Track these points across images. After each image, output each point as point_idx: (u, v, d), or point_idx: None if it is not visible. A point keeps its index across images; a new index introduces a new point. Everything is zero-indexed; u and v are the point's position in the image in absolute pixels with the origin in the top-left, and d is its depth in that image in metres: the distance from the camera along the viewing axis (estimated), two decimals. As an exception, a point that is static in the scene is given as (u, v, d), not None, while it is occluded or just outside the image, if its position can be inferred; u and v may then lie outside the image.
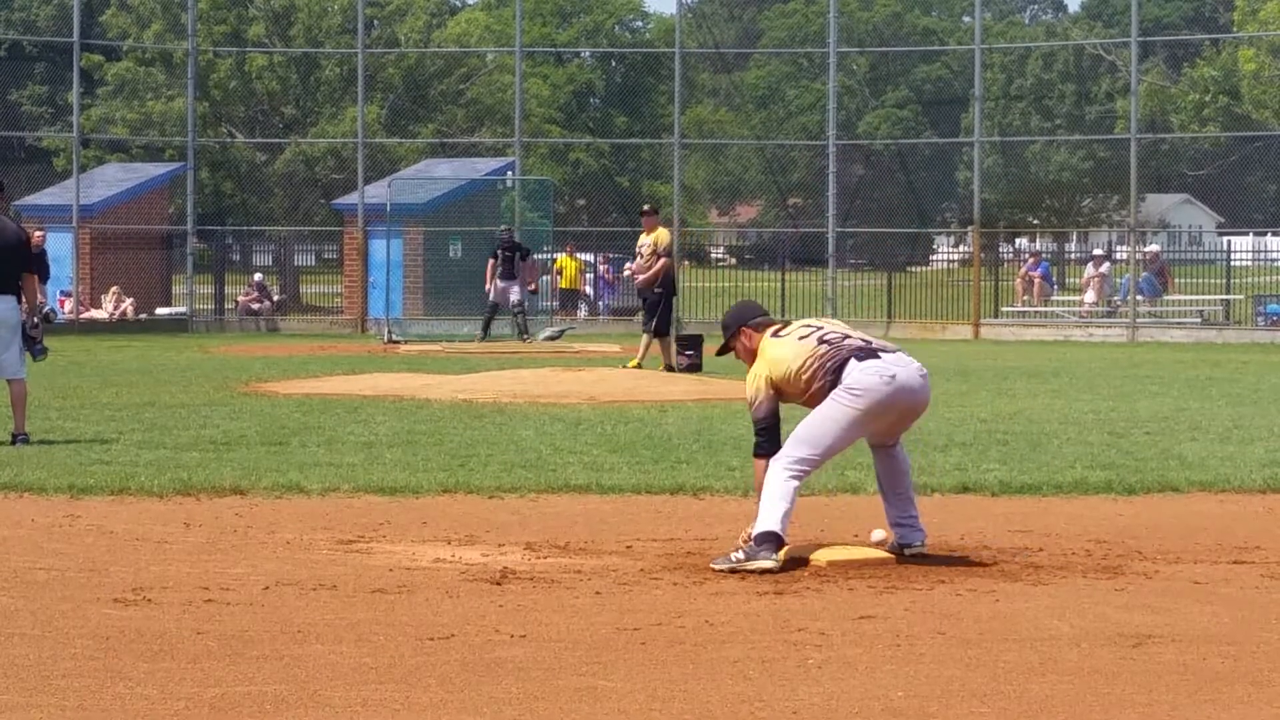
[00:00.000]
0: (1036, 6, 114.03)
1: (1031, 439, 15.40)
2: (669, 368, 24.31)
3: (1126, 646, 7.28)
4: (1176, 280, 42.86)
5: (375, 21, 55.96)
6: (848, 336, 9.29)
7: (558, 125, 70.01)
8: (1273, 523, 10.99)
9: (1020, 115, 70.85)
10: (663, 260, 24.92)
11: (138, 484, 12.06)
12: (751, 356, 9.36)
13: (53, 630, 7.53)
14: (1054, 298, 42.92)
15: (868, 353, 9.14)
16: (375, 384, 21.57)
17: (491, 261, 34.27)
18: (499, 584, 8.64)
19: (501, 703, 6.32)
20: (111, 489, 11.90)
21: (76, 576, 8.85)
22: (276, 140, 54.31)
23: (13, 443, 14.59)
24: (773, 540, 8.91)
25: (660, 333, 24.77)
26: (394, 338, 34.98)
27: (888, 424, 9.25)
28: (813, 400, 9.16)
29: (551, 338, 35.00)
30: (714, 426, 16.46)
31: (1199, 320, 38.97)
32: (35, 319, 15.20)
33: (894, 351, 9.33)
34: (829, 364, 9.10)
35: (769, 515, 8.95)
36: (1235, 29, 58.46)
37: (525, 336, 33.67)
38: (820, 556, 9.16)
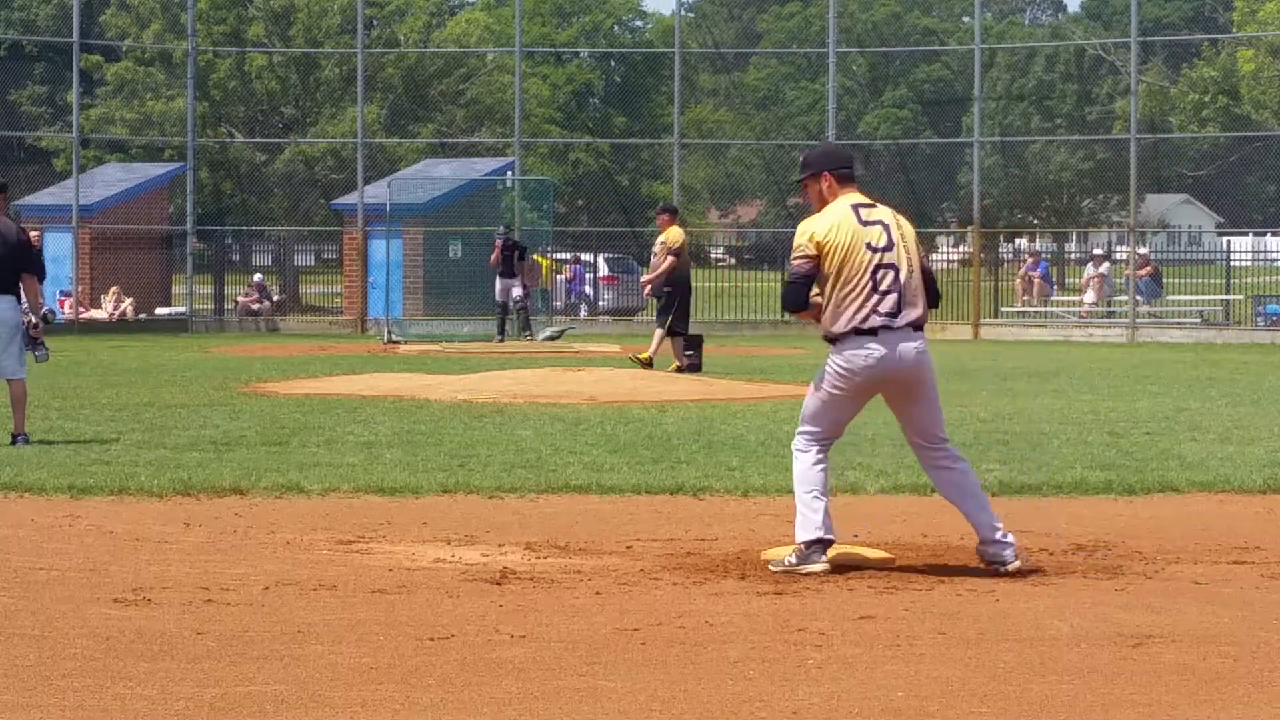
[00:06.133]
0: (1036, 7, 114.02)
1: (1031, 439, 15.39)
2: (678, 369, 24.20)
3: (1126, 646, 7.28)
4: (1175, 280, 42.91)
5: (375, 21, 55.96)
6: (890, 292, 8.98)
7: (557, 125, 70.02)
8: (1273, 523, 10.98)
9: (1020, 116, 70.86)
10: (669, 259, 24.80)
11: (138, 484, 12.06)
12: (822, 204, 9.18)
13: (53, 630, 7.53)
14: (1054, 298, 42.96)
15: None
16: (375, 384, 21.56)
17: (495, 254, 34.54)
18: (499, 584, 8.64)
19: (501, 703, 6.32)
20: (111, 489, 11.90)
21: (76, 576, 8.85)
22: (276, 140, 54.31)
23: (13, 443, 14.59)
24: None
25: (671, 332, 24.66)
26: (394, 338, 34.99)
27: None
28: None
29: (551, 338, 35.05)
30: (714, 426, 16.46)
31: (1199, 320, 38.98)
32: (35, 319, 15.16)
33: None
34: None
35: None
36: (1235, 29, 58.46)
37: (527, 333, 34.16)
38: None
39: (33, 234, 17.97)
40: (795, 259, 9.01)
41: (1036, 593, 8.51)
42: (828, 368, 9.05)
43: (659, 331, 24.85)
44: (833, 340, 9.02)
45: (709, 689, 6.54)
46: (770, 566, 8.99)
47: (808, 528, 8.92)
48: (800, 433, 9.14)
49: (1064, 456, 14.00)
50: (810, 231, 8.98)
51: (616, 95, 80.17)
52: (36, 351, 15.15)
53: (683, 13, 51.40)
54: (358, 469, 12.99)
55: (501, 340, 33.78)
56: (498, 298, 34.65)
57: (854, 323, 8.93)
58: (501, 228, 36.43)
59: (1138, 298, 38.09)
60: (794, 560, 8.91)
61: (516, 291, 34.38)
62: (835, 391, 9.04)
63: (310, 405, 18.64)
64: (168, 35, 53.77)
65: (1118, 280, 41.17)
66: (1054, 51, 70.68)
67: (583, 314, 43.66)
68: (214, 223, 48.55)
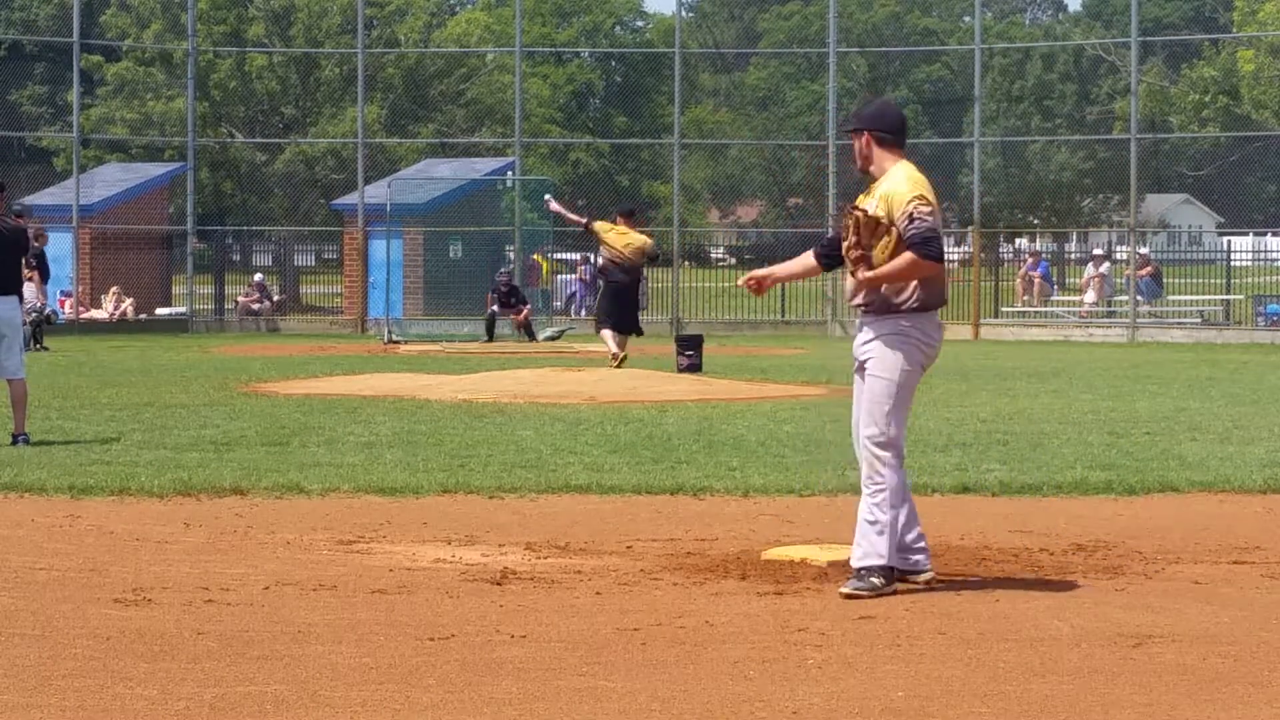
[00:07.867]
0: (1036, 7, 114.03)
1: (1031, 439, 15.39)
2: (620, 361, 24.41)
3: (1126, 646, 7.28)
4: (1175, 280, 42.92)
5: (375, 21, 55.97)
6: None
7: (558, 125, 70.04)
8: (1273, 523, 10.98)
9: (1021, 116, 70.90)
10: (641, 238, 24.81)
11: (138, 484, 12.06)
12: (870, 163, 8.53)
13: (53, 630, 7.53)
14: (1054, 298, 42.97)
15: None
16: (375, 384, 21.56)
17: (490, 296, 35.28)
18: (499, 584, 8.64)
19: (501, 703, 6.32)
20: (112, 489, 11.90)
21: (76, 576, 8.85)
22: (276, 140, 54.32)
23: (13, 443, 14.59)
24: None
25: (622, 329, 24.73)
26: (394, 338, 34.98)
27: None
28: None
29: (551, 338, 35.06)
30: (714, 426, 16.46)
31: (1199, 320, 38.98)
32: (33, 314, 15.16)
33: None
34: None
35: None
36: (1235, 29, 58.45)
37: (532, 339, 34.35)
38: (820, 556, 9.16)
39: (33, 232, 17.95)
40: (924, 212, 8.24)
41: (1036, 593, 8.51)
42: (904, 346, 8.34)
43: (618, 337, 24.71)
44: (901, 310, 8.34)
45: (709, 689, 6.54)
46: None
47: (889, 551, 8.35)
48: (890, 440, 8.36)
49: (1064, 456, 14.00)
50: (922, 191, 8.27)
51: (617, 95, 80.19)
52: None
53: (683, 13, 51.44)
54: (358, 469, 12.99)
55: (488, 341, 33.90)
56: (490, 307, 35.01)
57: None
58: (503, 270, 36.66)
59: (1138, 298, 38.09)
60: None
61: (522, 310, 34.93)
62: (916, 369, 8.38)
63: (310, 405, 18.64)
64: (168, 35, 53.78)
65: (1118, 280, 41.17)
66: (1054, 51, 70.70)
67: (584, 314, 43.64)
68: (214, 223, 48.55)
